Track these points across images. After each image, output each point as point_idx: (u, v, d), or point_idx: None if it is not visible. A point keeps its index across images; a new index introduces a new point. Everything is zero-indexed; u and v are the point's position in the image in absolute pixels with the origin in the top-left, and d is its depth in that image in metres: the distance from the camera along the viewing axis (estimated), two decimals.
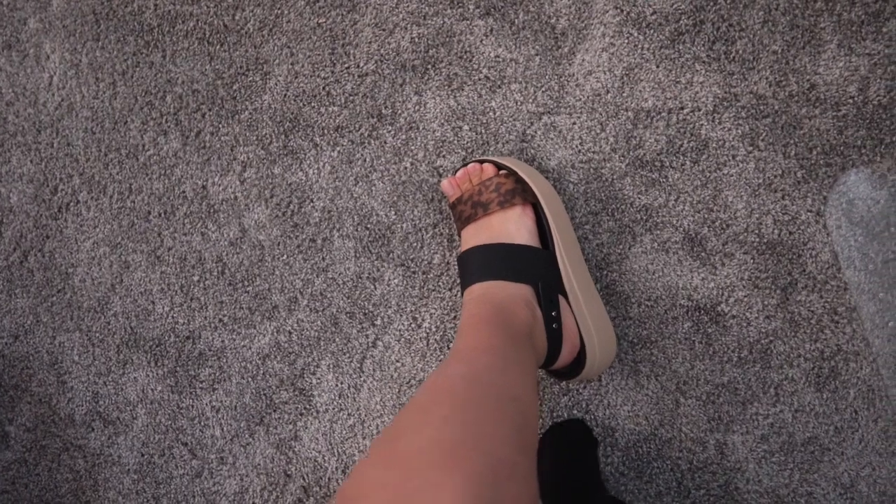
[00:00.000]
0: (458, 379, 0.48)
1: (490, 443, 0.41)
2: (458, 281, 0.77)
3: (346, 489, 0.39)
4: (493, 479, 0.38)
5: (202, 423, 0.82)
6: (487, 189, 0.69)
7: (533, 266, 0.65)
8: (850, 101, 0.69)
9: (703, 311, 0.73)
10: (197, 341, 0.81)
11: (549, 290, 0.65)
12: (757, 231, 0.72)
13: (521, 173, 0.69)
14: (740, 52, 0.71)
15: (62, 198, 0.82)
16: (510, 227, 0.68)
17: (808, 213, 0.71)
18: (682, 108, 0.72)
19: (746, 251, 0.72)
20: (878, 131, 0.69)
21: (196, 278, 0.81)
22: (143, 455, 0.83)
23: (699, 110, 0.72)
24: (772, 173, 0.71)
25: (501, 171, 0.70)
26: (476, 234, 0.69)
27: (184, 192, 0.80)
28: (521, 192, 0.68)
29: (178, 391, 0.82)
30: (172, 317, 0.81)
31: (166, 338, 0.82)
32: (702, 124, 0.72)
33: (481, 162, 0.71)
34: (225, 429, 0.81)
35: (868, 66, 0.69)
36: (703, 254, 0.73)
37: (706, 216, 0.72)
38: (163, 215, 0.81)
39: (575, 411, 0.76)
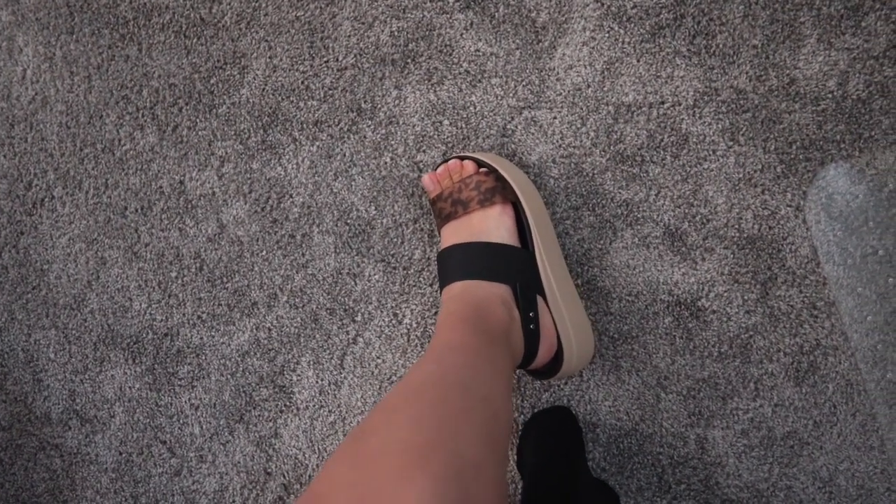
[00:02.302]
0: (427, 378, 0.48)
1: (457, 443, 0.41)
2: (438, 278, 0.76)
3: (313, 487, 0.39)
4: (458, 478, 0.38)
5: (181, 421, 0.81)
6: (468, 187, 0.68)
7: (512, 266, 0.65)
8: (830, 95, 0.69)
9: (683, 307, 0.73)
10: (175, 338, 0.80)
11: (528, 290, 0.64)
12: (737, 226, 0.72)
13: (501, 171, 0.68)
14: (720, 46, 0.71)
15: (36, 193, 0.81)
16: (490, 225, 0.67)
17: (788, 208, 0.71)
18: (662, 103, 0.72)
19: (726, 246, 0.72)
20: (857, 126, 0.69)
21: (174, 274, 0.80)
22: (121, 454, 0.82)
23: (680, 105, 0.72)
24: (752, 168, 0.71)
25: (482, 169, 0.70)
26: (456, 233, 0.69)
27: (161, 187, 0.79)
28: (501, 191, 0.68)
29: (157, 389, 0.81)
30: (150, 314, 0.80)
31: (144, 335, 0.81)
32: (682, 119, 0.72)
33: (462, 159, 0.71)
34: (204, 426, 0.81)
35: (847, 61, 0.69)
36: (683, 249, 0.72)
37: (686, 211, 0.72)
38: (140, 211, 0.80)
39: None
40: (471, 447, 0.41)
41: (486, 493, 0.39)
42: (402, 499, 0.36)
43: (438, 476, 0.37)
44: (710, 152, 0.71)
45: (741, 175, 0.71)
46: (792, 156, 0.70)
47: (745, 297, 0.72)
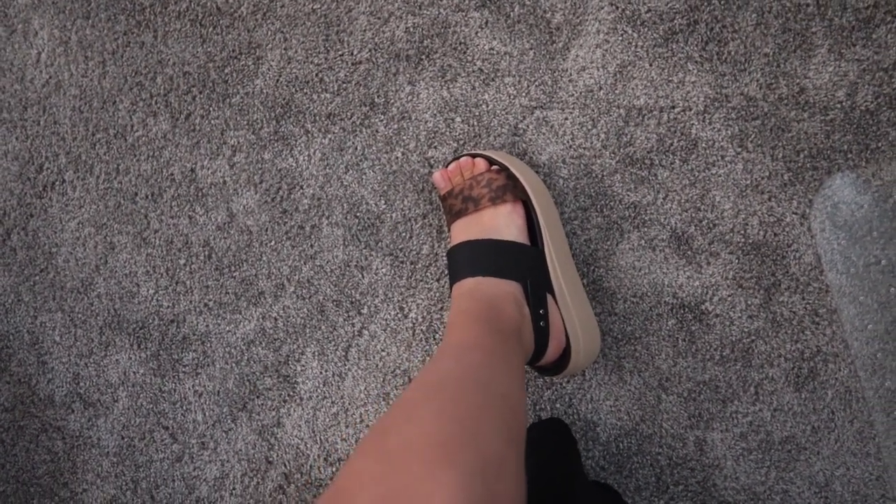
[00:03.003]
0: (447, 375, 0.48)
1: (481, 439, 0.41)
2: (446, 273, 0.77)
3: (338, 481, 0.40)
4: (483, 474, 0.39)
5: (184, 408, 0.81)
6: (479, 184, 0.69)
7: (522, 263, 0.65)
8: (839, 105, 0.70)
9: (687, 309, 0.73)
10: (181, 325, 0.81)
11: (538, 287, 0.65)
12: (743, 231, 0.72)
13: (512, 169, 0.69)
14: (732, 53, 0.71)
15: (47, 176, 0.81)
16: (500, 223, 0.68)
17: (794, 216, 0.72)
18: (673, 107, 0.72)
19: (732, 251, 0.73)
20: (865, 137, 0.70)
21: (182, 262, 0.80)
22: (123, 438, 0.82)
23: (690, 110, 0.72)
24: (759, 175, 0.72)
25: (493, 167, 0.70)
26: (466, 229, 0.69)
27: (172, 174, 0.80)
28: (512, 189, 0.68)
29: (161, 374, 0.81)
30: (157, 300, 0.81)
31: (150, 321, 0.81)
32: (692, 124, 0.72)
33: (473, 156, 0.71)
34: (207, 413, 0.81)
35: (857, 72, 0.70)
36: (689, 252, 0.73)
37: (693, 215, 0.73)
38: (150, 197, 0.80)
39: (558, 405, 0.76)
40: (492, 444, 0.41)
41: (509, 490, 0.40)
42: (429, 494, 0.36)
43: (464, 471, 0.38)
44: (719, 158, 0.72)
45: (748, 181, 0.72)
46: (799, 164, 0.71)
47: (749, 302, 0.73)
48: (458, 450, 0.40)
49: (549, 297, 0.66)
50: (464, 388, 0.47)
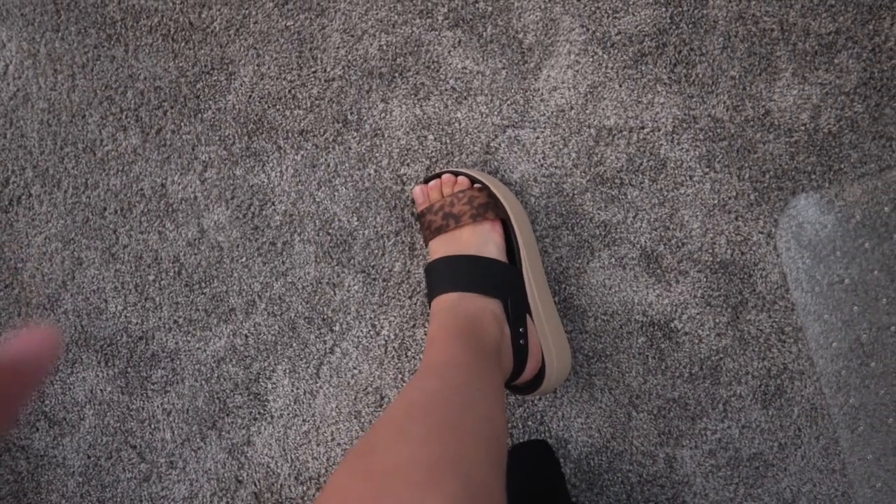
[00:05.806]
0: (433, 395, 0.48)
1: (467, 464, 0.41)
2: (420, 290, 0.77)
3: (323, 497, 0.39)
4: (470, 500, 0.38)
5: (152, 426, 0.80)
6: (460, 201, 0.69)
7: (502, 281, 0.66)
8: (803, 128, 0.72)
9: (657, 327, 0.74)
10: (150, 342, 0.80)
11: (518, 307, 0.65)
12: (710, 250, 0.73)
13: (493, 189, 0.70)
14: (700, 75, 0.73)
15: (14, 190, 0.80)
16: (480, 240, 0.68)
17: (760, 235, 0.73)
18: (642, 128, 0.73)
19: (700, 270, 0.74)
20: (828, 158, 0.72)
21: (151, 278, 0.79)
22: (89, 457, 0.81)
23: (659, 130, 0.73)
24: (726, 195, 0.73)
25: (475, 185, 0.71)
26: (445, 246, 0.69)
27: (142, 189, 0.79)
28: (493, 208, 0.69)
29: (129, 392, 0.80)
30: (125, 316, 0.80)
31: (118, 338, 0.80)
32: (661, 144, 0.73)
33: (455, 174, 0.71)
34: (176, 432, 0.80)
35: (820, 96, 0.71)
36: (658, 271, 0.74)
37: (663, 234, 0.74)
38: (119, 212, 0.79)
39: (530, 422, 0.76)
40: (479, 468, 0.41)
41: None
42: None
43: (451, 497, 0.38)
44: (687, 178, 0.73)
45: (716, 201, 0.73)
46: (765, 184, 0.73)
47: (717, 320, 0.74)
48: (444, 475, 0.40)
49: (527, 316, 0.66)
50: (449, 411, 0.46)
